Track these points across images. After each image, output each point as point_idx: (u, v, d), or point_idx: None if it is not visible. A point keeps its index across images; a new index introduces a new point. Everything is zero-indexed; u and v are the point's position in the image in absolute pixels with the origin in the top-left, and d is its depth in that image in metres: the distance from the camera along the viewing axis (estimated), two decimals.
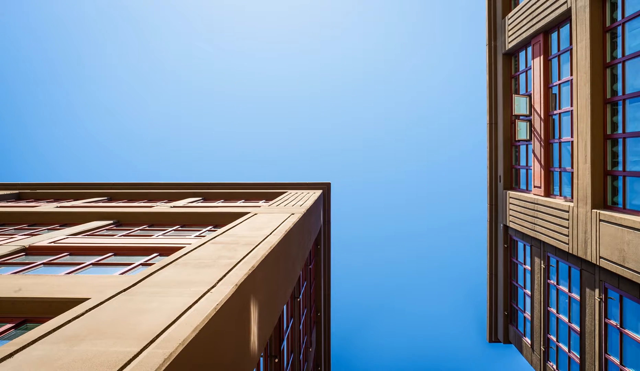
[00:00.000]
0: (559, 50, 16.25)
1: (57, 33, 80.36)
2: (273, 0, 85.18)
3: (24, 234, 12.85)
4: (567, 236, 14.88)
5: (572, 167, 14.60)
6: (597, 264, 13.22)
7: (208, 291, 6.42)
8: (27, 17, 77.96)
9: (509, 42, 19.80)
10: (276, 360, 11.40)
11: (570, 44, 15.24)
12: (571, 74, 15.13)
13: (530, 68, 18.41)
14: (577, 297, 14.99)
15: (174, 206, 17.66)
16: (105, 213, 15.58)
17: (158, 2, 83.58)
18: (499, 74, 21.04)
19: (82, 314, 5.49)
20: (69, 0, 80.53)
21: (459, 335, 61.14)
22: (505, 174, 20.79)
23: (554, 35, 16.55)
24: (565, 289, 15.85)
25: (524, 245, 19.32)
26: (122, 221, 15.40)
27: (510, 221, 19.97)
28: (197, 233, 13.46)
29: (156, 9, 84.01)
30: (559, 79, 16.26)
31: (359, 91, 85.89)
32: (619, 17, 12.62)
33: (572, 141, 14.72)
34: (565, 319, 15.90)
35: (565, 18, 15.47)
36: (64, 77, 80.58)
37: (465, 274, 67.59)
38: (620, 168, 12.83)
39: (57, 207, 17.29)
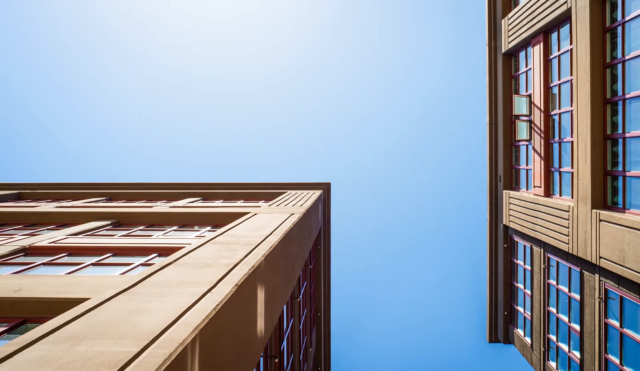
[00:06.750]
0: (559, 50, 16.25)
1: (53, 32, 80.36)
2: None
3: (24, 234, 12.84)
4: (567, 236, 14.88)
5: (572, 167, 14.61)
6: (597, 264, 13.23)
7: (208, 291, 6.42)
8: (27, 14, 77.97)
9: (509, 42, 19.81)
10: (276, 360, 11.39)
11: (570, 44, 15.25)
12: (571, 74, 15.13)
13: (530, 68, 18.42)
14: (577, 297, 14.99)
15: (173, 206, 17.65)
16: (105, 213, 15.57)
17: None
18: (499, 74, 21.04)
19: (82, 314, 5.48)
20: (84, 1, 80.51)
21: (459, 335, 61.14)
22: (505, 174, 20.80)
23: (554, 35, 16.56)
24: (565, 290, 15.85)
25: (524, 245, 19.32)
26: (121, 221, 15.40)
27: (510, 221, 19.97)
28: (197, 233, 13.45)
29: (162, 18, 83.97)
30: (559, 79, 16.26)
31: (358, 91, 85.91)
32: (619, 17, 12.62)
33: (572, 141, 14.73)
34: (565, 319, 15.90)
35: (565, 18, 15.47)
36: (61, 77, 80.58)
37: (465, 274, 67.61)
38: (620, 168, 12.84)
39: (57, 207, 17.28)
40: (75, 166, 77.90)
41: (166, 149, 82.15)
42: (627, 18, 12.26)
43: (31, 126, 77.86)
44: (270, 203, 18.00)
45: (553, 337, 16.89)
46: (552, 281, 16.85)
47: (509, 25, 19.77)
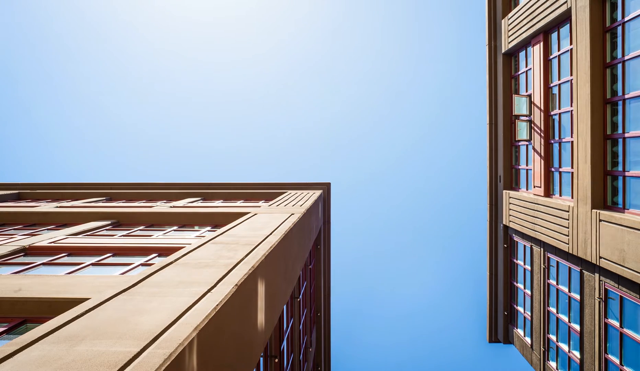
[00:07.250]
0: (559, 50, 16.25)
1: (49, 31, 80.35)
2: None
3: (24, 234, 12.84)
4: (567, 236, 14.88)
5: (572, 167, 14.61)
6: (597, 264, 13.22)
7: (208, 291, 6.41)
8: (31, 14, 77.97)
9: (509, 42, 19.80)
10: (276, 360, 11.39)
11: (570, 44, 15.24)
12: (571, 74, 15.13)
13: (530, 68, 18.41)
14: (577, 297, 14.99)
15: (173, 206, 17.65)
16: (105, 213, 15.57)
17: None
18: (499, 74, 21.04)
19: (82, 314, 5.48)
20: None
21: (459, 335, 61.16)
22: (505, 174, 20.80)
23: (554, 35, 16.56)
24: (565, 290, 15.85)
25: (524, 245, 19.32)
26: (121, 221, 15.39)
27: (510, 221, 19.97)
28: (197, 233, 13.45)
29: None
30: (559, 79, 16.26)
31: (358, 91, 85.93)
32: (619, 17, 12.62)
33: (572, 141, 14.73)
34: (565, 319, 15.90)
35: (565, 18, 15.47)
36: (59, 76, 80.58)
37: (465, 274, 67.65)
38: (620, 168, 12.84)
39: (57, 207, 17.28)
40: (74, 167, 77.93)
41: (167, 151, 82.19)
42: (627, 18, 12.26)
43: (31, 126, 77.90)
44: (270, 203, 17.99)
45: (553, 337, 16.89)
46: (552, 281, 16.85)
47: (509, 25, 19.77)
